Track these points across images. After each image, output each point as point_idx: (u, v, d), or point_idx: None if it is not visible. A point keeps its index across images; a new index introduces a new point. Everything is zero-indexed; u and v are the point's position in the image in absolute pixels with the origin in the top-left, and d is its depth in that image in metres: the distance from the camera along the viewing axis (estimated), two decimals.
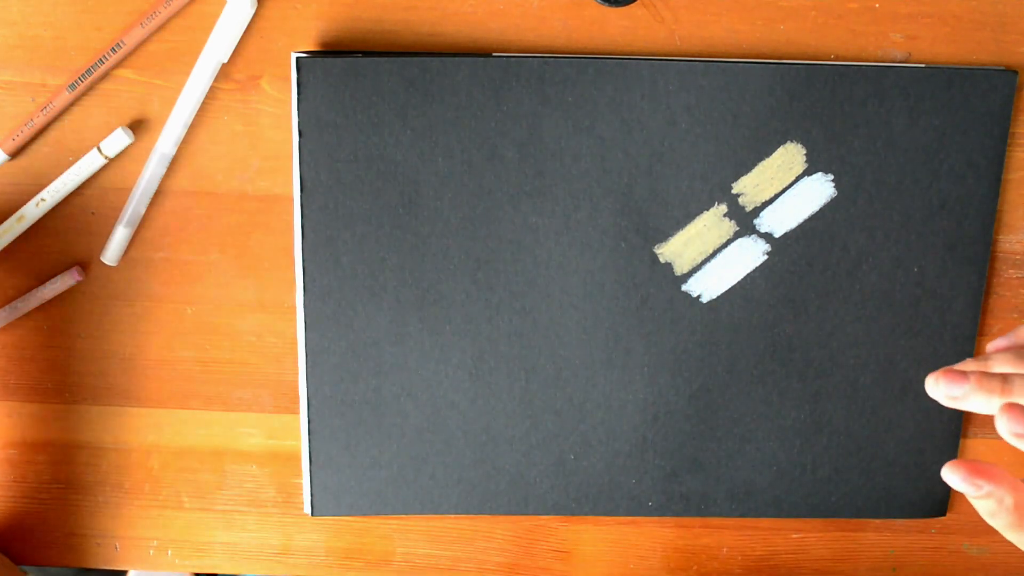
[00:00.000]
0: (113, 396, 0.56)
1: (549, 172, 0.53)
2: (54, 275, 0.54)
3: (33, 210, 0.53)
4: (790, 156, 0.53)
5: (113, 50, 0.50)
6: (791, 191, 0.54)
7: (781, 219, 0.54)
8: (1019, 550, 0.61)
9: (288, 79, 0.52)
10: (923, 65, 0.52)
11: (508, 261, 0.54)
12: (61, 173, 0.53)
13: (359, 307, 0.54)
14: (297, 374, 0.56)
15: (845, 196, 0.54)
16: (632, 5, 0.51)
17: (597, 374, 0.56)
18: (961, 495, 0.60)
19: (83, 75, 0.50)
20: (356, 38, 0.52)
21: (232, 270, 0.55)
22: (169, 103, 0.52)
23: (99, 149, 0.52)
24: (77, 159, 0.53)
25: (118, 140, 0.52)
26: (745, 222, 0.54)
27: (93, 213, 0.54)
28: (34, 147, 0.53)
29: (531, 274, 0.54)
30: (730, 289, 0.55)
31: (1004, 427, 0.43)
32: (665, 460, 0.57)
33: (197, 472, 0.58)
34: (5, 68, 0.52)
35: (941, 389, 0.45)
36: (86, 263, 0.54)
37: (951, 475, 0.45)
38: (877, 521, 0.60)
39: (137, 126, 0.53)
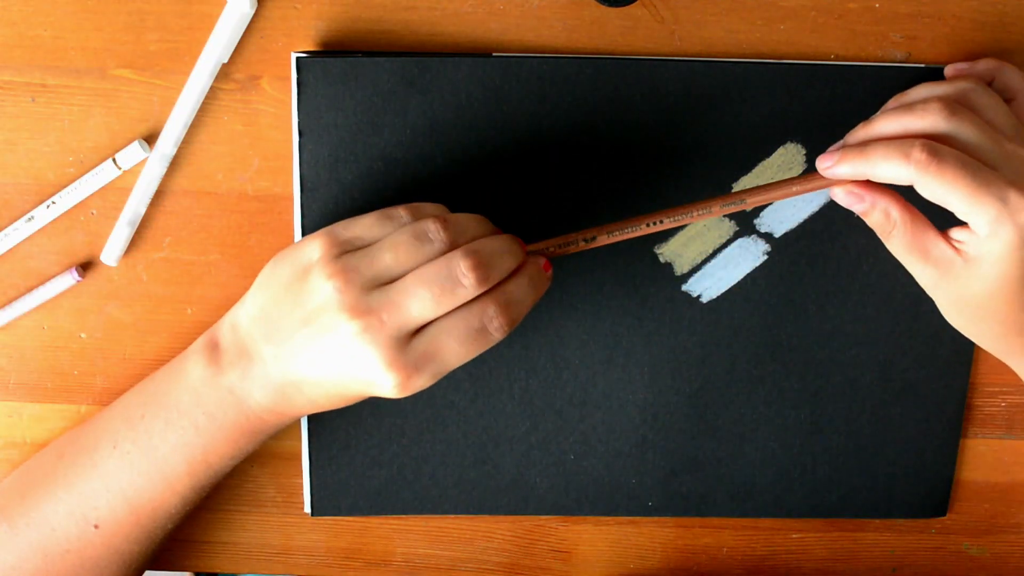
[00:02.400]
0: (113, 396, 0.56)
1: (549, 172, 0.53)
2: (54, 275, 0.54)
3: (43, 212, 0.53)
4: (790, 156, 0.53)
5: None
6: None
7: (781, 219, 0.54)
8: (1019, 550, 0.61)
9: (288, 79, 0.52)
10: (923, 65, 0.52)
11: None
12: (61, 172, 0.53)
13: None
14: None
15: None
16: (632, 5, 0.51)
17: (597, 374, 0.56)
18: (961, 495, 0.60)
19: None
20: (356, 38, 0.52)
21: (232, 270, 0.55)
22: (169, 103, 0.52)
23: (114, 161, 0.52)
24: (77, 158, 0.53)
25: (134, 153, 0.52)
26: (745, 222, 0.54)
27: (93, 213, 0.54)
28: (34, 146, 0.53)
29: None
30: (730, 289, 0.55)
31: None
32: (665, 460, 0.57)
33: None
34: (5, 68, 0.52)
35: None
36: (86, 263, 0.54)
37: (837, 194, 0.49)
38: (877, 521, 0.60)
39: (137, 126, 0.53)
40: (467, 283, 0.44)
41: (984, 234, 0.45)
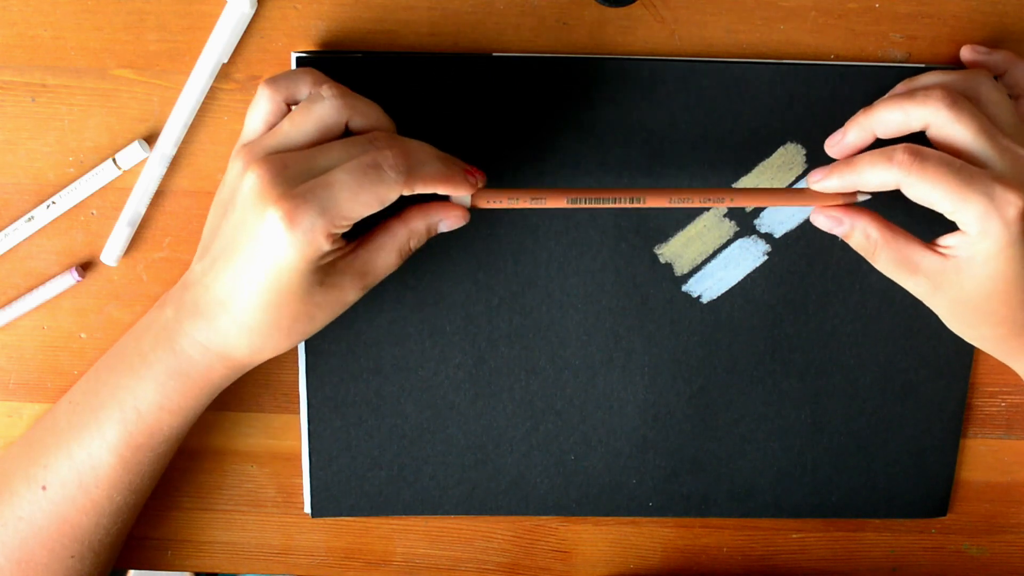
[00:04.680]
0: None
1: (549, 172, 0.53)
2: (54, 275, 0.54)
3: (43, 212, 0.53)
4: (790, 156, 0.53)
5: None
6: None
7: (781, 219, 0.54)
8: (1019, 550, 0.61)
9: None
10: (923, 65, 0.52)
11: (508, 261, 0.54)
12: (61, 172, 0.53)
13: (359, 307, 0.54)
14: (297, 374, 0.56)
15: None
16: (632, 5, 0.51)
17: (597, 374, 0.56)
18: (961, 495, 0.60)
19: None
20: (356, 38, 0.52)
21: None
22: (169, 103, 0.52)
23: (114, 161, 0.52)
24: (77, 158, 0.53)
25: (134, 153, 0.52)
26: (745, 222, 0.54)
27: (93, 213, 0.54)
28: (34, 146, 0.53)
29: (531, 274, 0.54)
30: (730, 289, 0.55)
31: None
32: (665, 460, 0.57)
33: (197, 472, 0.58)
34: (5, 68, 0.52)
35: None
36: (86, 263, 0.54)
37: (817, 218, 0.50)
38: (877, 521, 0.60)
39: (137, 126, 0.53)
40: (379, 143, 0.45)
41: (973, 232, 0.45)
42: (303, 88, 0.47)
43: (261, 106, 0.47)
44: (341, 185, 0.43)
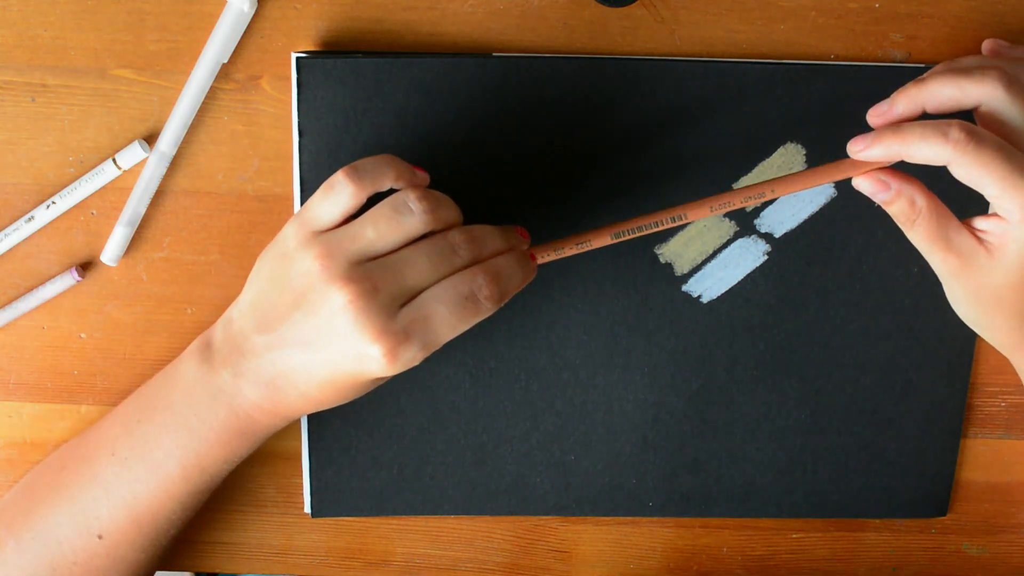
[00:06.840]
0: (113, 396, 0.56)
1: (548, 172, 0.53)
2: (54, 275, 0.54)
3: (43, 212, 0.53)
4: (790, 156, 0.53)
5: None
6: None
7: (781, 219, 0.54)
8: (1019, 550, 0.61)
9: (288, 79, 0.52)
10: (923, 65, 0.52)
11: None
12: (61, 172, 0.53)
13: None
14: None
15: (845, 196, 0.54)
16: (632, 5, 0.51)
17: (597, 374, 0.56)
18: (961, 495, 0.60)
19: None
20: (356, 38, 0.52)
21: (232, 270, 0.55)
22: (169, 103, 0.52)
23: (114, 161, 0.52)
24: (77, 158, 0.53)
25: (134, 153, 0.52)
26: (745, 222, 0.54)
27: (93, 213, 0.54)
28: (34, 146, 0.53)
29: None
30: (730, 289, 0.55)
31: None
32: (665, 460, 0.57)
33: None
34: (5, 68, 0.52)
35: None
36: (86, 263, 0.54)
37: (861, 182, 0.47)
38: (877, 521, 0.60)
39: (137, 126, 0.53)
40: (462, 252, 0.45)
41: (1015, 220, 0.44)
42: (386, 182, 0.45)
43: (342, 199, 0.45)
44: (441, 320, 0.44)
